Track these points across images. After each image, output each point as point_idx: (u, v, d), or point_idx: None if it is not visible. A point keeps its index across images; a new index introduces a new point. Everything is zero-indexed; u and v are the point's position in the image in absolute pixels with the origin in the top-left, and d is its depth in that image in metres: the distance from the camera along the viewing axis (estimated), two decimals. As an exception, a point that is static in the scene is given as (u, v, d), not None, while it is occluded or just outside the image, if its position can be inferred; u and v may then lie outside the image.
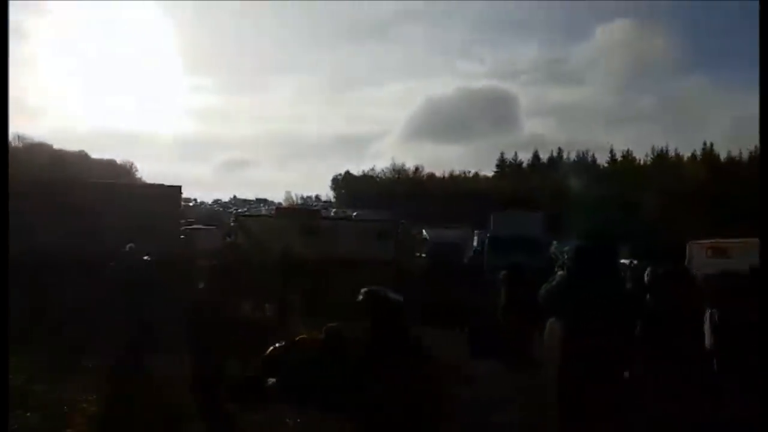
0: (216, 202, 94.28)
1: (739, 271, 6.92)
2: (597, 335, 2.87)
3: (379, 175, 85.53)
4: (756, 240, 22.26)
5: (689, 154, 59.03)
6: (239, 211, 55.63)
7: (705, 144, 58.03)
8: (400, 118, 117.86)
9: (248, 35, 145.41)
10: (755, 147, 55.87)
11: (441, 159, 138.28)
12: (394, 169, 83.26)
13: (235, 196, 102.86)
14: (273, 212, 34.09)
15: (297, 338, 7.52)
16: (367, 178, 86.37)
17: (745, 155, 55.28)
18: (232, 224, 23.22)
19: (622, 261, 22.10)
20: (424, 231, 35.84)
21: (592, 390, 2.87)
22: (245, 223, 19.83)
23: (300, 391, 6.28)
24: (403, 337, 3.37)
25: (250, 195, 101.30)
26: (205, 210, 62.84)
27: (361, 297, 3.55)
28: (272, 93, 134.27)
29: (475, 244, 30.44)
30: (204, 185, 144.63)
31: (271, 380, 6.79)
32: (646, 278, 6.88)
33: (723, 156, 56.87)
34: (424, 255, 26.58)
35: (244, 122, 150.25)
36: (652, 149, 61.43)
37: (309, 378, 6.19)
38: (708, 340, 5.11)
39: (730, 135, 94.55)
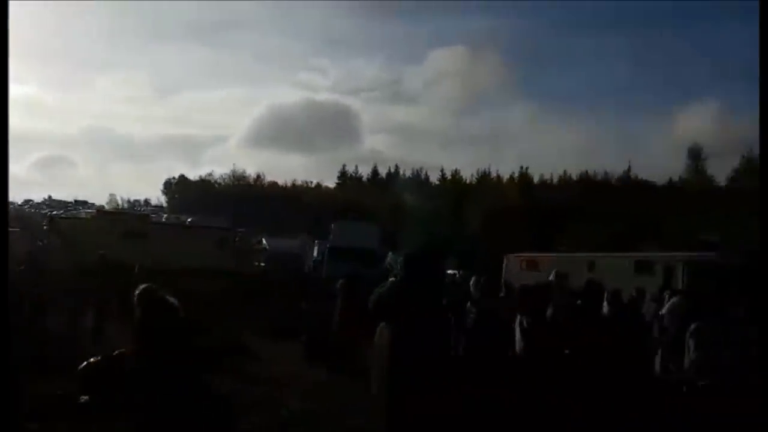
0: (27, 203, 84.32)
1: (545, 281, 7.77)
2: (422, 339, 3.02)
3: (218, 181, 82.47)
4: (560, 254, 24.85)
5: (508, 176, 64.61)
6: (54, 213, 50.30)
7: (522, 167, 63.98)
8: (239, 124, 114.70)
9: (67, 30, 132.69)
10: (564, 171, 63.24)
11: (283, 168, 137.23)
12: (234, 176, 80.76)
13: (50, 197, 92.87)
14: (93, 215, 31.47)
15: (115, 353, 6.93)
16: (204, 184, 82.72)
17: (555, 179, 62.24)
18: (44, 227, 20.96)
19: (450, 271, 23.64)
20: (263, 240, 35.25)
21: (418, 392, 3.00)
22: (59, 225, 18.02)
23: (116, 408, 5.79)
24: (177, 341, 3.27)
25: (67, 196, 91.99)
26: (13, 211, 55.89)
27: (136, 294, 3.43)
28: (93, 90, 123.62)
29: (315, 254, 30.59)
30: (14, 184, 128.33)
31: (84, 398, 6.17)
32: (471, 287, 7.46)
33: (536, 179, 63.24)
34: (263, 264, 26.18)
35: (61, 119, 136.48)
36: (477, 170, 66.46)
37: (126, 394, 5.72)
38: (518, 344, 5.65)
39: (544, 159, 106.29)
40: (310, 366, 9.92)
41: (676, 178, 48.26)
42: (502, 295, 9.28)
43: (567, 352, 5.67)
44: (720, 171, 46.77)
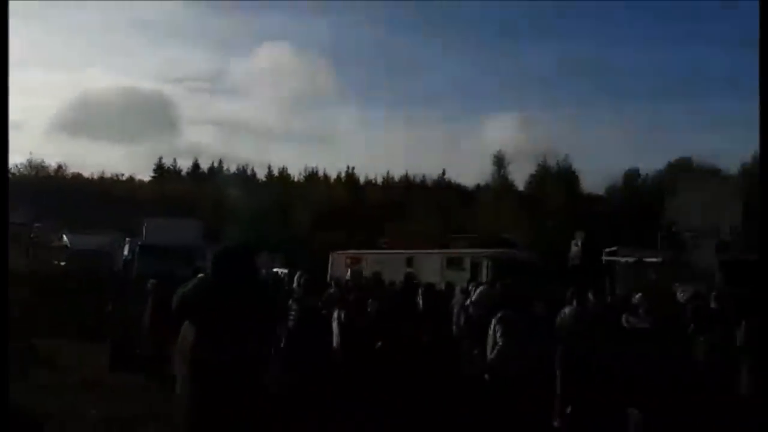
0: None
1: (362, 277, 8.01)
2: (229, 338, 2.86)
3: (12, 171, 72.61)
4: (382, 251, 25.55)
5: (336, 175, 65.80)
6: None
7: (348, 167, 65.50)
8: (39, 109, 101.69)
9: None
10: (387, 172, 66.00)
11: (91, 159, 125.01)
12: (31, 165, 71.64)
13: None
14: None
15: None
16: (-6, 173, 72.29)
17: (380, 179, 64.73)
18: None
19: (277, 269, 23.38)
20: (64, 236, 31.79)
21: (224, 397, 2.84)
22: None
23: None
24: None
25: None
26: None
27: None
28: None
29: (126, 252, 28.27)
30: None
31: None
32: (295, 283, 7.39)
33: (362, 179, 65.24)
34: (63, 263, 23.66)
35: None
36: (305, 168, 66.67)
37: None
38: (335, 339, 5.73)
39: (370, 160, 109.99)
40: (115, 371, 9.20)
41: (483, 183, 52.75)
42: (332, 291, 9.36)
43: (379, 344, 5.87)
44: (519, 176, 52.01)
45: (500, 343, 5.91)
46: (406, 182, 64.30)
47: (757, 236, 22.11)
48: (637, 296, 8.34)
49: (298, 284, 6.50)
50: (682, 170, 35.14)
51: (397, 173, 65.89)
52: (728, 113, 68.01)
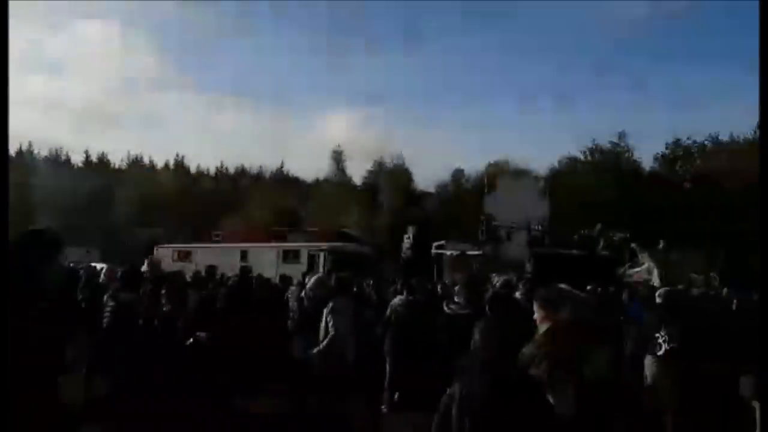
0: None
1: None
2: (20, 339, 2.49)
3: None
4: (214, 245, 24.44)
5: (163, 163, 62.05)
6: None
7: (177, 155, 62.19)
8: None
9: None
10: (221, 163, 63.69)
11: None
12: None
13: None
14: None
15: None
16: None
17: (213, 169, 62.32)
18: None
19: (96, 265, 21.31)
20: None
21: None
22: None
23: None
24: None
25: None
26: None
27: None
28: None
29: None
30: None
31: None
32: (101, 278, 6.79)
33: (193, 168, 62.37)
34: None
35: None
36: (128, 155, 62.00)
37: None
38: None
39: (202, 150, 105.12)
40: None
41: (322, 177, 53.13)
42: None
43: (202, 336, 5.63)
44: (357, 172, 53.22)
45: (331, 332, 5.97)
46: (242, 173, 62.60)
47: (557, 231, 24.81)
48: (458, 286, 8.93)
49: (117, 279, 6.05)
50: (499, 170, 38.34)
51: (231, 164, 63.94)
52: (542, 118, 75.81)
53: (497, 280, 10.90)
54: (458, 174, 47.87)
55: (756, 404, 4.89)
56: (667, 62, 69.56)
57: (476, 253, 22.19)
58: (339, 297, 6.15)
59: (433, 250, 25.46)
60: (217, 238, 27.05)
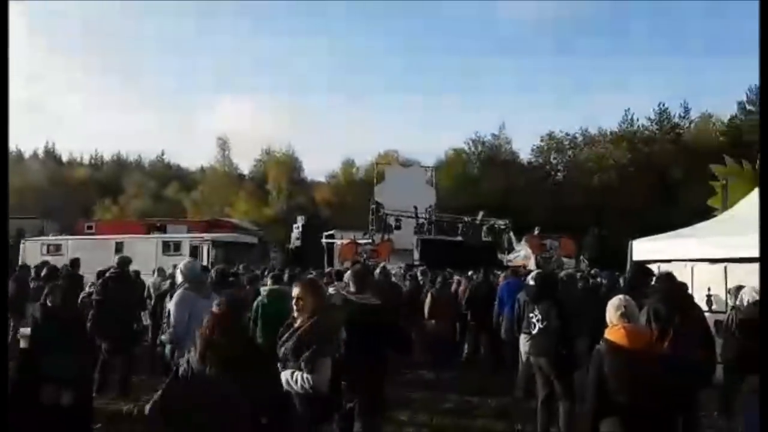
0: None
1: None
2: None
3: None
4: (86, 237, 22.94)
5: (32, 151, 57.37)
6: None
7: (47, 142, 57.88)
8: None
9: None
10: (95, 150, 59.51)
11: None
12: None
13: None
14: None
15: None
16: None
17: (87, 158, 58.34)
18: None
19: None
20: None
21: None
22: None
23: None
24: None
25: None
26: None
27: None
28: None
29: None
30: None
31: None
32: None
33: (66, 157, 58.19)
34: None
35: None
36: (-9, 141, 56.32)
37: None
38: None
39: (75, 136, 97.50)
40: None
41: (207, 165, 51.10)
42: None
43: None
44: (244, 161, 51.82)
45: (170, 325, 5.67)
46: (119, 162, 58.86)
47: (443, 219, 25.61)
48: (348, 273, 8.93)
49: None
50: (389, 161, 38.89)
51: (107, 152, 59.94)
52: (431, 109, 77.73)
53: (382, 265, 11.05)
54: (348, 164, 48.00)
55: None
56: (547, 59, 73.78)
57: (365, 242, 22.36)
58: (183, 289, 5.72)
59: (324, 240, 25.36)
60: (90, 231, 25.18)
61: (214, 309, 3.38)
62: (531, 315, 6.21)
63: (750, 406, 5.19)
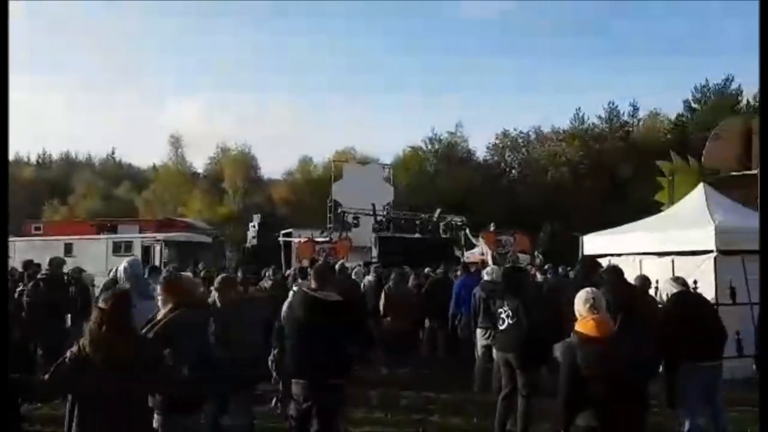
0: None
1: None
2: None
3: None
4: (34, 238, 22.15)
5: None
6: None
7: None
8: None
9: None
10: (43, 149, 57.32)
11: None
12: None
13: None
14: None
15: None
16: None
17: (34, 157, 56.27)
18: None
19: None
20: None
21: None
22: None
23: None
24: None
25: None
26: None
27: None
28: None
29: None
30: None
31: None
32: None
33: (12, 156, 55.81)
34: None
35: None
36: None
37: None
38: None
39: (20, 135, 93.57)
40: None
41: (160, 163, 49.85)
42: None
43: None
44: (198, 159, 50.70)
45: None
46: (67, 161, 56.96)
47: (401, 216, 25.73)
48: (292, 268, 8.96)
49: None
50: (346, 158, 38.77)
51: (55, 150, 57.94)
52: (389, 107, 77.95)
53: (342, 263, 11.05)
54: (306, 161, 47.63)
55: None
56: (501, 59, 74.94)
57: (322, 239, 22.24)
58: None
59: (281, 238, 25.10)
60: (37, 231, 24.29)
61: (101, 304, 3.36)
62: (500, 310, 6.24)
63: (687, 378, 5.51)
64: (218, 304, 5.37)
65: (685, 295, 5.92)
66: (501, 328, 6.22)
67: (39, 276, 7.89)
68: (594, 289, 3.97)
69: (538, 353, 5.96)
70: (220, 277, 5.64)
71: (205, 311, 4.90)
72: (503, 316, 6.18)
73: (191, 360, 3.83)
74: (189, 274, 8.42)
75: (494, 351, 6.58)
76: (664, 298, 5.97)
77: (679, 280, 5.98)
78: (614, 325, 3.89)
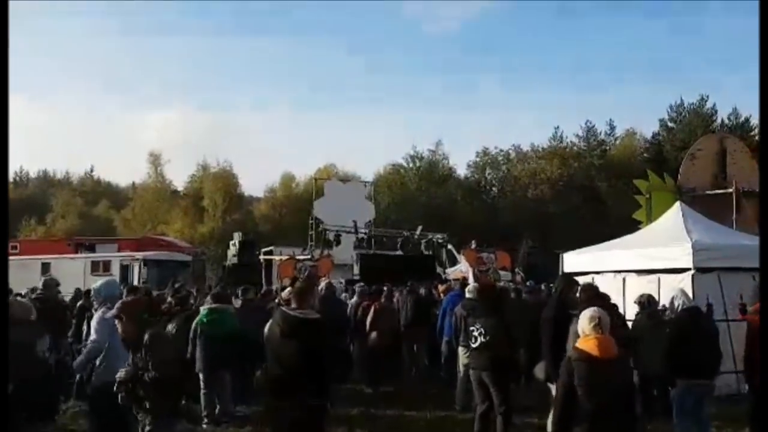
0: None
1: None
2: None
3: None
4: (13, 258, 21.77)
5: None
6: None
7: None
8: None
9: None
10: (20, 167, 56.47)
11: None
12: None
13: None
14: None
15: None
16: None
17: (11, 174, 55.21)
18: None
19: None
20: None
21: None
22: None
23: None
24: None
25: None
26: None
27: None
28: None
29: None
30: None
31: None
32: None
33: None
34: None
35: None
36: None
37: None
38: None
39: None
40: None
41: (139, 181, 49.30)
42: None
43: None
44: (178, 176, 50.24)
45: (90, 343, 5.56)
46: (45, 179, 56.21)
47: (382, 234, 25.75)
48: (287, 290, 8.84)
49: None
50: (327, 175, 38.77)
51: (33, 168, 57.19)
52: (370, 125, 78.25)
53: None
54: (288, 178, 47.49)
55: (551, 386, 5.37)
56: (479, 77, 75.90)
57: (304, 257, 22.14)
58: (103, 309, 5.52)
59: (262, 256, 24.93)
60: (14, 251, 23.85)
61: None
62: (472, 328, 6.27)
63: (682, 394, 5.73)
64: None
65: (698, 311, 6.12)
66: (474, 346, 6.23)
67: (33, 297, 7.71)
68: (600, 309, 3.96)
69: (511, 371, 5.99)
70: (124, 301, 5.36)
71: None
72: (475, 334, 6.18)
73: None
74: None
75: (469, 369, 6.59)
76: (677, 306, 6.01)
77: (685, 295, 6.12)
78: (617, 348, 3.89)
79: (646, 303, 7.20)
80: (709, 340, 5.86)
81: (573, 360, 3.74)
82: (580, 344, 3.78)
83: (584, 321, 3.85)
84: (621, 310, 7.73)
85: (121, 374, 4.43)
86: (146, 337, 4.39)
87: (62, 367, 8.06)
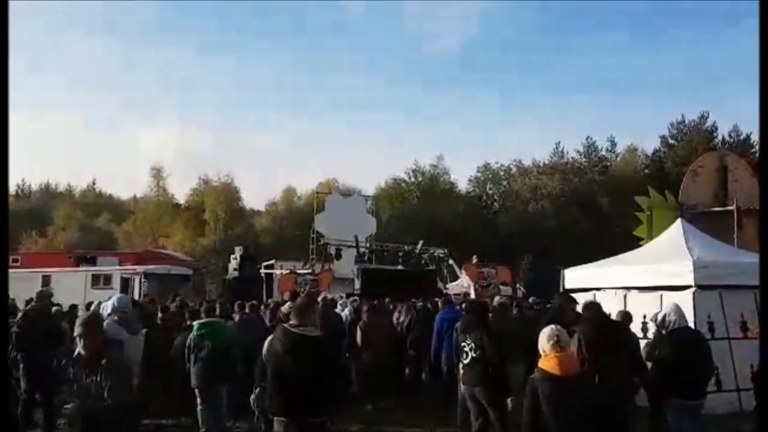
0: None
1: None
2: None
3: None
4: (16, 272, 21.81)
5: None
6: None
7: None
8: None
9: None
10: (23, 180, 56.64)
11: None
12: None
13: None
14: None
15: None
16: None
17: (13, 187, 55.37)
18: None
19: None
20: None
21: None
22: None
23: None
24: None
25: None
26: None
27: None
28: None
29: None
30: None
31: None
32: None
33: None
34: None
35: None
36: None
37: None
38: None
39: None
40: None
41: (140, 194, 49.38)
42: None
43: None
44: (180, 189, 50.21)
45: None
46: (47, 191, 56.34)
47: (383, 248, 25.72)
48: (287, 304, 8.82)
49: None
50: (329, 189, 38.82)
51: (35, 181, 57.34)
52: (371, 139, 78.62)
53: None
54: (289, 192, 47.57)
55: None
56: (480, 93, 76.28)
57: (304, 271, 22.13)
58: (110, 320, 5.54)
59: (263, 270, 24.92)
60: (15, 263, 23.86)
61: None
62: (463, 344, 6.25)
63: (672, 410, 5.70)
64: None
65: (690, 332, 6.11)
66: (464, 362, 6.22)
67: (28, 308, 7.70)
68: (558, 326, 3.98)
69: (502, 386, 5.96)
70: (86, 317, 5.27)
71: None
72: (466, 349, 6.18)
73: None
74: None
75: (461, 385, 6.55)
76: (668, 324, 5.96)
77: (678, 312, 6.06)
78: (580, 364, 3.93)
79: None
80: (699, 363, 5.84)
81: (536, 381, 3.77)
82: (542, 364, 3.81)
83: (543, 340, 3.87)
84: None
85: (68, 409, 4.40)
86: (103, 362, 4.24)
87: (59, 375, 8.07)
